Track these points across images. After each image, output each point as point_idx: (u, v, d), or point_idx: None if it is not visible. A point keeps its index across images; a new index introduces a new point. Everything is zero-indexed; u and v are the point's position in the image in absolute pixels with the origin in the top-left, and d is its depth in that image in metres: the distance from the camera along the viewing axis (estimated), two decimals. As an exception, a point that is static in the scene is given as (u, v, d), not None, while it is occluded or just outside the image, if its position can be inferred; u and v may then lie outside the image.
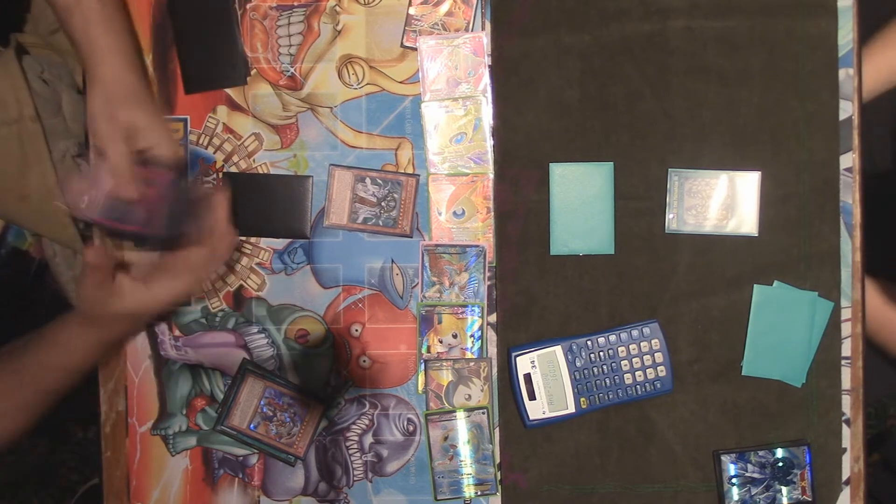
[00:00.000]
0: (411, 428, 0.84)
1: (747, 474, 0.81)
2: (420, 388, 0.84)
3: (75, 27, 0.74)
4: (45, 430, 1.62)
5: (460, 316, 0.83)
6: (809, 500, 0.81)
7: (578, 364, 0.81)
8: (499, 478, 0.83)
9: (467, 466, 0.83)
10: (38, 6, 0.95)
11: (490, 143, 0.83)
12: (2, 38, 0.95)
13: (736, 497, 0.81)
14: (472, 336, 0.83)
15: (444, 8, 0.84)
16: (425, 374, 0.83)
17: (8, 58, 0.83)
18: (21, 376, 0.75)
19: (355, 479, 0.85)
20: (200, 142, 0.85)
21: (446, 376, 0.83)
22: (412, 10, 0.84)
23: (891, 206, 0.95)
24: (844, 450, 0.82)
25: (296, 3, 0.84)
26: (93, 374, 0.86)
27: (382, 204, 0.84)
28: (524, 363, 0.81)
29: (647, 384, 0.81)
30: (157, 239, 0.75)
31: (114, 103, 0.74)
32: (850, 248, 0.82)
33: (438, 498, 0.84)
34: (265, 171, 0.85)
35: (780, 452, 0.81)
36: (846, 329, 0.82)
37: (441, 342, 0.83)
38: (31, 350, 0.76)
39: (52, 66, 0.85)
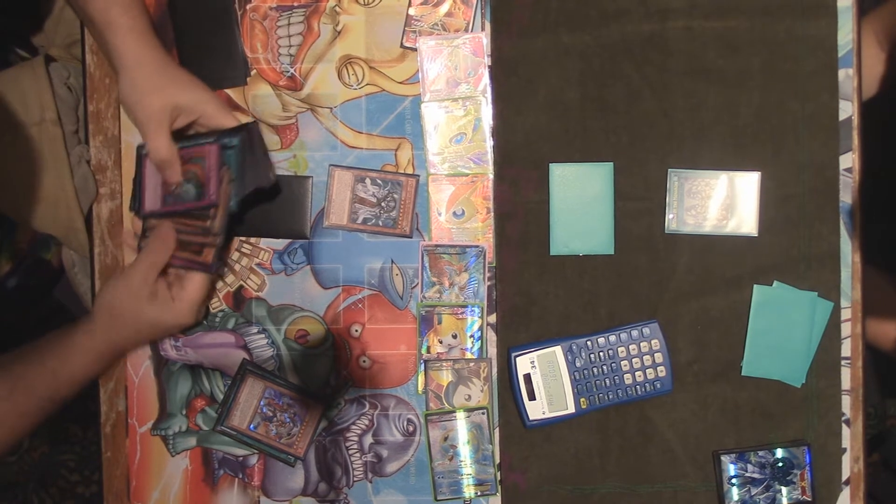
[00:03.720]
0: (411, 428, 0.84)
1: (747, 474, 0.81)
2: (420, 388, 0.84)
3: (96, 9, 0.76)
4: (45, 430, 1.62)
5: (460, 316, 0.83)
6: (809, 500, 0.81)
7: (578, 364, 0.81)
8: (499, 478, 0.83)
9: (467, 467, 0.83)
10: (52, 20, 0.98)
11: (490, 143, 0.83)
12: (29, 50, 1.00)
13: (736, 497, 0.81)
14: (471, 336, 0.83)
15: (443, 8, 0.84)
16: (425, 374, 0.83)
17: (36, 63, 0.86)
18: (28, 382, 0.75)
19: (355, 479, 0.85)
20: (200, 142, 0.85)
21: (446, 376, 0.83)
22: (412, 11, 0.84)
23: (890, 205, 0.95)
24: (844, 450, 0.82)
25: (296, 4, 0.84)
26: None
27: (382, 204, 0.84)
28: (524, 363, 0.81)
29: (646, 384, 0.81)
30: (218, 214, 0.77)
31: (141, 88, 0.76)
32: (849, 249, 0.82)
33: (438, 498, 0.84)
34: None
35: (779, 452, 0.81)
36: (846, 329, 0.82)
37: (441, 342, 0.83)
38: (39, 358, 0.76)
39: (79, 74, 0.86)
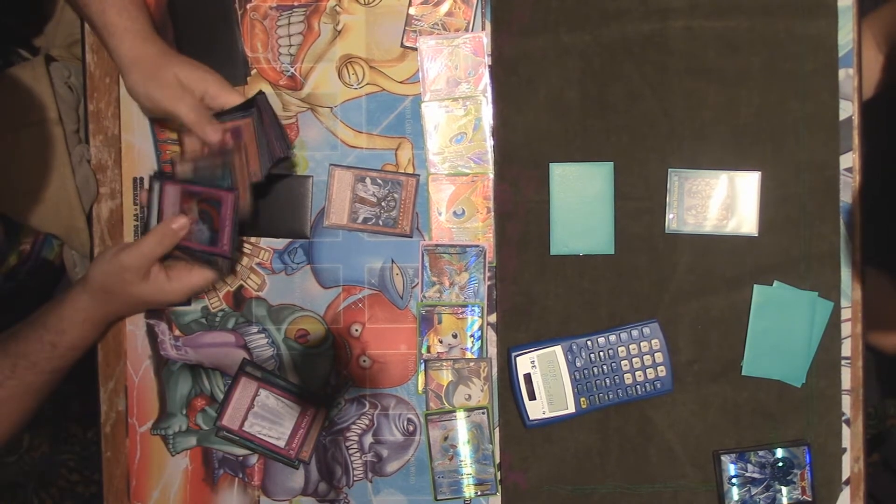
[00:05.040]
0: (411, 428, 0.84)
1: (747, 474, 0.81)
2: (420, 388, 0.84)
3: (94, 12, 0.77)
4: (45, 430, 1.62)
5: (460, 316, 0.83)
6: (809, 500, 0.81)
7: (578, 364, 0.81)
8: (499, 478, 0.83)
9: (467, 466, 0.83)
10: (52, 22, 0.99)
11: (490, 142, 0.83)
12: (31, 51, 1.00)
13: (736, 497, 0.81)
14: (472, 336, 0.83)
15: (444, 8, 0.84)
16: (425, 374, 0.83)
17: (37, 63, 0.86)
18: (30, 359, 0.76)
19: (355, 479, 0.85)
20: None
21: (446, 376, 0.83)
22: (412, 10, 0.84)
23: (890, 205, 0.95)
24: (844, 450, 0.82)
25: (296, 3, 0.84)
26: (93, 375, 0.86)
27: (382, 204, 0.84)
28: (524, 363, 0.81)
29: (647, 384, 0.81)
30: (222, 258, 0.78)
31: (150, 76, 0.78)
32: (849, 249, 0.82)
33: (438, 498, 0.84)
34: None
35: (780, 452, 0.81)
36: (846, 329, 0.82)
37: (441, 342, 0.83)
38: (37, 334, 0.77)
39: (79, 73, 0.86)
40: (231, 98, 0.79)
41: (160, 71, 0.77)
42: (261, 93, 0.79)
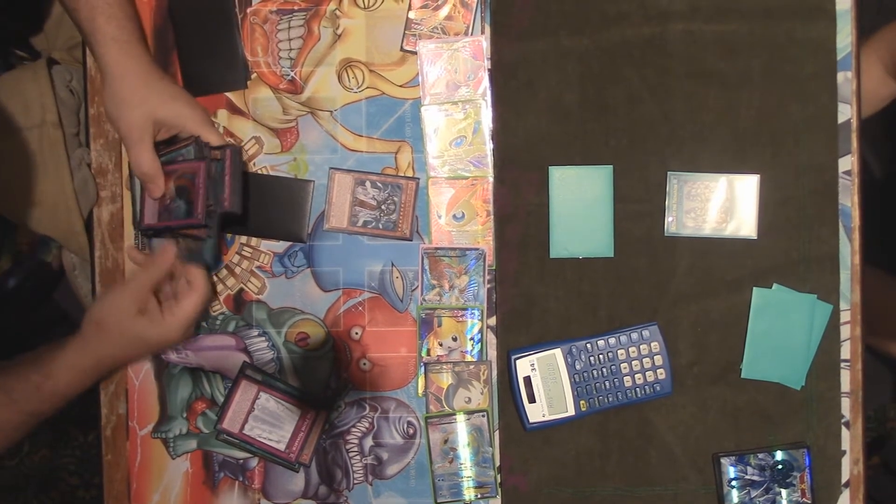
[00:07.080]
0: (411, 431, 0.84)
1: (747, 477, 0.81)
2: (420, 390, 0.84)
3: (83, 17, 0.76)
4: (45, 433, 1.62)
5: (460, 319, 0.83)
6: (809, 502, 0.81)
7: (578, 367, 0.81)
8: (499, 480, 0.83)
9: (467, 469, 0.83)
10: (52, 23, 0.99)
11: (489, 146, 0.83)
12: (30, 52, 1.00)
13: (735, 499, 0.81)
14: (471, 339, 0.83)
15: (443, 12, 0.84)
16: (425, 376, 0.83)
17: (39, 66, 0.86)
18: (11, 396, 0.74)
19: (355, 482, 0.85)
20: (201, 145, 0.85)
21: (446, 379, 0.83)
22: (412, 14, 0.84)
23: (889, 207, 0.95)
24: (844, 452, 0.82)
25: (296, 8, 0.85)
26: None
27: (382, 207, 0.84)
28: (524, 366, 0.81)
29: (646, 387, 0.81)
30: (209, 227, 0.78)
31: (123, 101, 0.76)
32: (849, 251, 0.82)
33: (438, 501, 0.84)
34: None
35: (779, 455, 0.81)
36: (845, 332, 0.82)
37: (441, 345, 0.83)
38: (24, 371, 0.75)
39: (81, 77, 0.86)
40: (209, 137, 0.79)
41: (135, 108, 0.76)
42: (236, 146, 0.79)
